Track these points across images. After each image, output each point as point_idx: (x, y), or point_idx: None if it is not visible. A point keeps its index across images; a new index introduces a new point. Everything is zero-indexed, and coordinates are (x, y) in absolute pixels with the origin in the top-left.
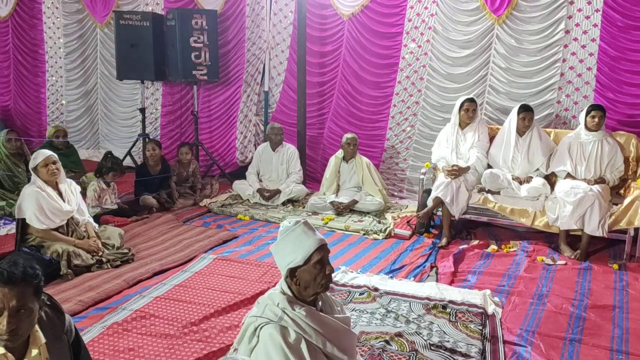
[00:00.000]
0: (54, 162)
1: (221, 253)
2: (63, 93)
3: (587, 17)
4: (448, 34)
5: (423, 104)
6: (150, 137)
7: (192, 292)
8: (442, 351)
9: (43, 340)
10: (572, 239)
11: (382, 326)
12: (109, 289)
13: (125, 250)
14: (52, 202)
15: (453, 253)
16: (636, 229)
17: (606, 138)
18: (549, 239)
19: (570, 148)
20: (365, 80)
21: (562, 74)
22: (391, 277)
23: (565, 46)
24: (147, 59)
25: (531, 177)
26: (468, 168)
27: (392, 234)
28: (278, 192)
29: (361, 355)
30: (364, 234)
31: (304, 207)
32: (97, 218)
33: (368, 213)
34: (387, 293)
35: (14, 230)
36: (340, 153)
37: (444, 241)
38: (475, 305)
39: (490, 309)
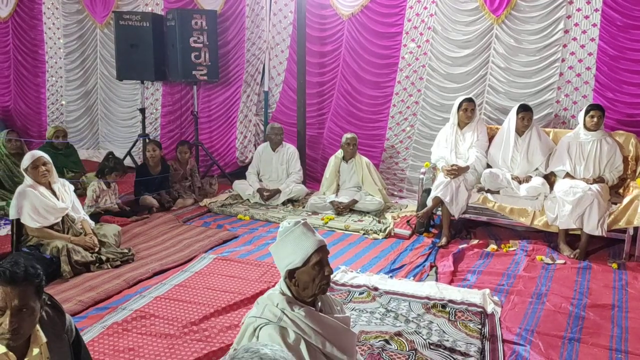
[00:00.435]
0: (44, 164)
1: (221, 253)
2: (63, 93)
3: (586, 17)
4: (447, 34)
5: (423, 103)
6: (150, 138)
7: (192, 292)
8: (442, 350)
9: (44, 339)
10: (572, 238)
11: (381, 325)
12: (109, 289)
13: (125, 250)
14: (45, 200)
15: (452, 252)
16: (635, 228)
17: (605, 137)
18: (548, 238)
19: (570, 148)
20: (365, 80)
21: (561, 74)
22: (391, 276)
23: (565, 46)
24: (147, 59)
25: (530, 177)
26: (467, 168)
27: (392, 234)
28: (278, 192)
29: (361, 354)
30: (363, 234)
31: (303, 207)
32: (97, 217)
33: (368, 213)
34: (387, 292)
35: None
36: (340, 153)
37: (443, 241)
38: (475, 305)
39: (490, 308)
